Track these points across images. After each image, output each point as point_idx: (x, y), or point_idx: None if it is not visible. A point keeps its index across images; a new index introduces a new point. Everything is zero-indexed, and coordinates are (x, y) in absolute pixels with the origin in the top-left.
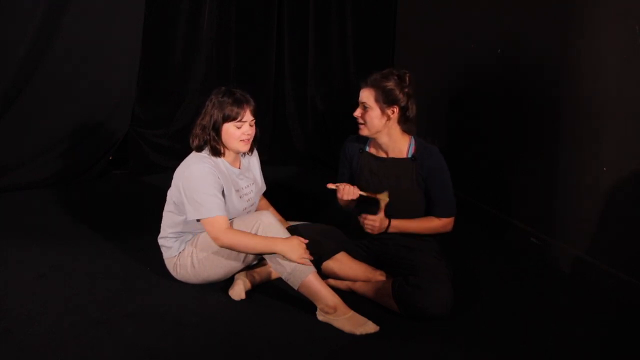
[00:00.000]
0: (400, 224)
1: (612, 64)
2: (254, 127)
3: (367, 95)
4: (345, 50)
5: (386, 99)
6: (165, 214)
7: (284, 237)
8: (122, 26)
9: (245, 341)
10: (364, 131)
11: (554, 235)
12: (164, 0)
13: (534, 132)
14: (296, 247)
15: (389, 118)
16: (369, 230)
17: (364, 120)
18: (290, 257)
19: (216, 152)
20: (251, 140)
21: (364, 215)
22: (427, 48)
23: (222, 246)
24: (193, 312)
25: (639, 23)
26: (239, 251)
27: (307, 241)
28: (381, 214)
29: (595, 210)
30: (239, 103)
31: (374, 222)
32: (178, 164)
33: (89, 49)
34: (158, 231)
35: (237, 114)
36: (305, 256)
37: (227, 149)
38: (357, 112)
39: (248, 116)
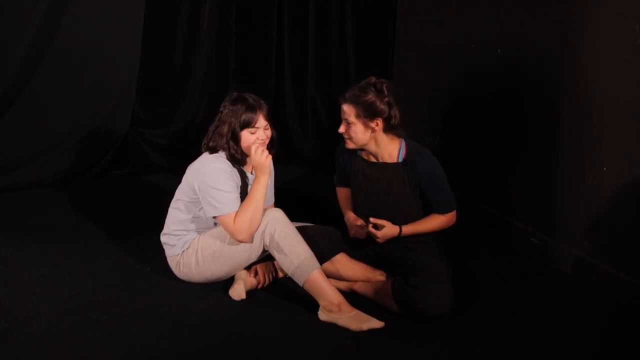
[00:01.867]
0: (410, 228)
1: (612, 64)
2: (269, 129)
3: (347, 112)
4: (345, 50)
5: (367, 113)
6: (171, 210)
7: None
8: (122, 26)
9: (245, 341)
10: (351, 145)
11: (554, 235)
12: (164, 0)
13: (534, 132)
14: (259, 155)
15: (373, 130)
16: (379, 239)
17: (349, 136)
18: (266, 166)
19: (236, 161)
20: (266, 144)
21: (370, 229)
22: (427, 48)
23: (245, 238)
24: (193, 312)
25: (639, 23)
26: (257, 218)
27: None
28: (388, 223)
29: (595, 210)
30: (252, 109)
31: (383, 230)
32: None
33: (89, 49)
34: (158, 231)
35: (252, 119)
36: (265, 152)
37: (246, 155)
38: (342, 128)
39: (262, 121)
